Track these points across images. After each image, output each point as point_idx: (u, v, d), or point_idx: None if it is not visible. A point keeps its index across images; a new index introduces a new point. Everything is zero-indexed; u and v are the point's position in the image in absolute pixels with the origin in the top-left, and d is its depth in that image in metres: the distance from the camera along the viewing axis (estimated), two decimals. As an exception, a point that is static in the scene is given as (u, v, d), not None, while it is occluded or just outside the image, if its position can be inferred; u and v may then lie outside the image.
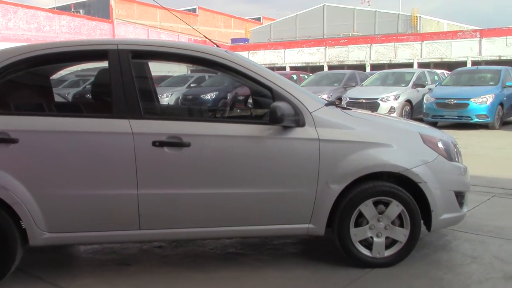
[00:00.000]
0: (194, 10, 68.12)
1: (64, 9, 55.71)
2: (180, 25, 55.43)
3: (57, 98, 8.23)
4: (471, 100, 12.97)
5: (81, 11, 57.39)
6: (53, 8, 55.39)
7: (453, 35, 43.31)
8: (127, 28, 54.10)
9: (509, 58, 36.61)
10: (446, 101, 13.24)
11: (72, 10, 57.54)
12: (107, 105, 3.52)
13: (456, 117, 13.33)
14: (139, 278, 3.58)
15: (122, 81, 3.43)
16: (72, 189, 3.32)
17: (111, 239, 3.61)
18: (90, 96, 4.32)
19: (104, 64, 3.57)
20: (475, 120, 12.99)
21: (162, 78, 18.84)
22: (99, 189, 3.34)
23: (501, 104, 13.30)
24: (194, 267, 3.76)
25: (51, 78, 4.49)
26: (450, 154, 3.85)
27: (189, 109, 7.72)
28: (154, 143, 3.33)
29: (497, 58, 36.81)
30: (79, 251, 4.21)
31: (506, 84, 13.72)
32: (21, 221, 3.30)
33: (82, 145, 3.34)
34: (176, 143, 3.36)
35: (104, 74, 3.68)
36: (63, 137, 3.33)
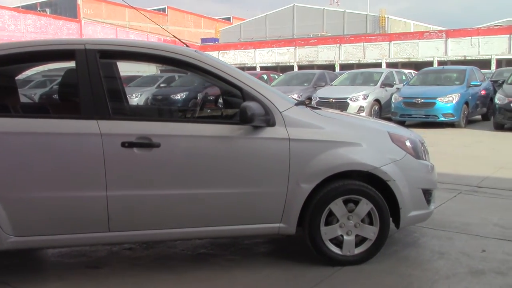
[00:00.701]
0: (163, 9, 67.63)
1: (29, 8, 54.60)
2: (149, 25, 54.97)
3: (23, 99, 8.06)
4: (437, 99, 13.22)
5: (47, 10, 56.36)
6: (18, 7, 54.18)
7: (420, 35, 44.18)
8: (95, 28, 53.36)
9: (473, 58, 37.54)
10: (414, 100, 13.47)
11: (38, 9, 56.42)
12: (75, 106, 3.46)
13: (424, 116, 13.56)
14: (109, 281, 3.53)
15: (89, 81, 3.38)
16: (39, 192, 3.26)
17: (80, 242, 3.54)
18: (57, 97, 4.24)
19: (71, 64, 3.52)
20: (442, 118, 13.25)
21: (131, 78, 18.64)
22: (67, 191, 3.28)
23: (467, 103, 13.59)
24: (165, 269, 3.73)
25: (16, 78, 4.39)
26: (417, 152, 3.92)
27: (159, 109, 7.65)
28: (123, 144, 3.29)
29: (462, 58, 37.72)
30: (47, 254, 4.13)
31: (471, 83, 14.04)
32: (-15, 225, 3.21)
33: (50, 147, 3.27)
34: (146, 143, 3.32)
35: (71, 74, 3.62)
36: (29, 139, 3.26)
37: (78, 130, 3.30)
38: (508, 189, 6.09)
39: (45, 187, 3.26)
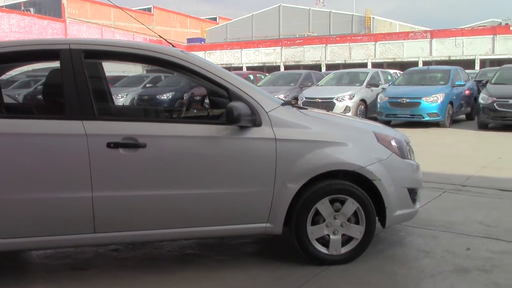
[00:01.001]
0: (149, 9, 67.36)
1: (13, 8, 54.03)
2: (135, 25, 54.69)
3: (7, 99, 7.97)
4: (422, 99, 13.33)
5: (32, 9, 55.81)
6: (2, 6, 53.58)
7: (405, 36, 44.52)
8: (80, 28, 52.98)
9: (458, 58, 37.92)
10: (399, 100, 13.56)
11: (22, 8, 55.84)
12: (60, 106, 3.43)
13: (409, 116, 13.67)
14: (95, 282, 3.51)
15: (74, 81, 3.35)
16: (23, 193, 3.22)
17: (65, 244, 3.50)
18: (42, 97, 4.20)
19: (56, 64, 3.49)
20: (427, 118, 13.36)
21: (117, 78, 18.52)
22: (52, 192, 3.25)
23: (451, 103, 13.72)
24: (151, 270, 3.72)
25: (0, 78, 4.35)
26: (403, 152, 3.95)
27: (145, 109, 7.62)
28: (108, 145, 3.27)
29: (447, 58, 38.08)
30: (32, 256, 4.09)
31: (456, 83, 14.17)
32: (-31, 227, 3.17)
33: (34, 148, 3.24)
34: (132, 144, 3.31)
35: (56, 74, 3.59)
36: (13, 140, 3.23)
37: (63, 131, 3.27)
38: (491, 187, 6.16)
39: (29, 188, 3.22)
